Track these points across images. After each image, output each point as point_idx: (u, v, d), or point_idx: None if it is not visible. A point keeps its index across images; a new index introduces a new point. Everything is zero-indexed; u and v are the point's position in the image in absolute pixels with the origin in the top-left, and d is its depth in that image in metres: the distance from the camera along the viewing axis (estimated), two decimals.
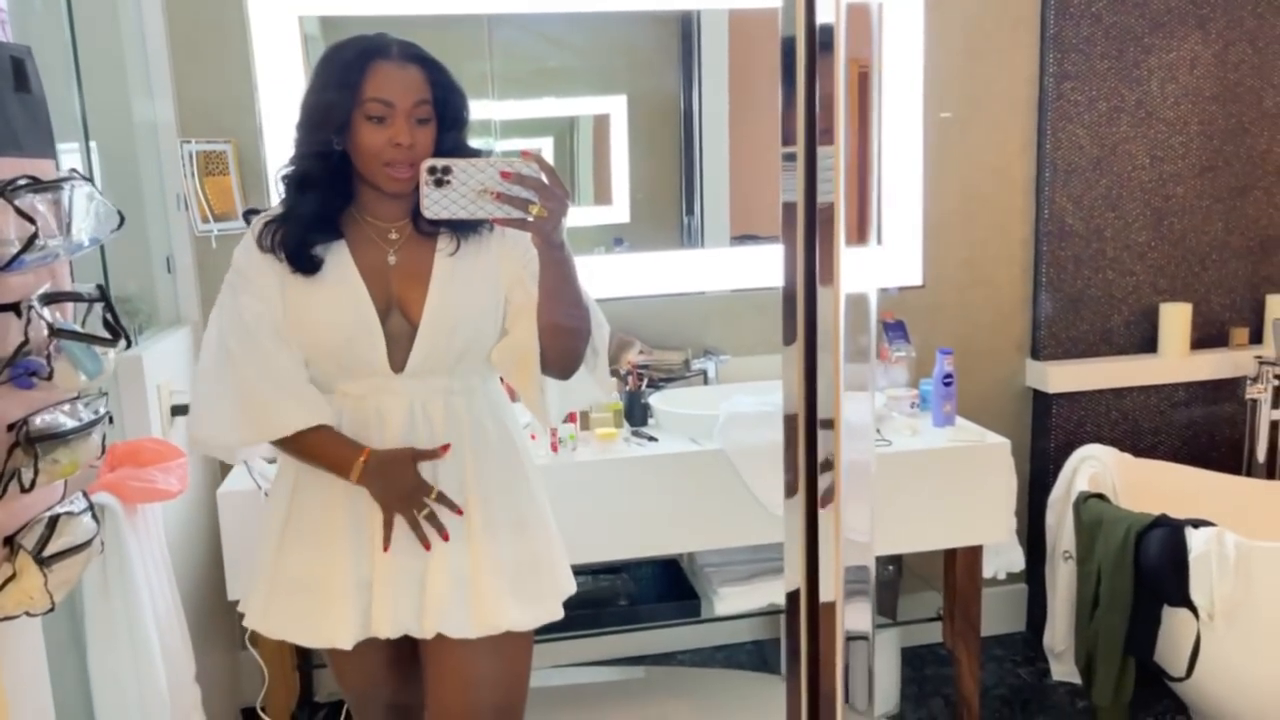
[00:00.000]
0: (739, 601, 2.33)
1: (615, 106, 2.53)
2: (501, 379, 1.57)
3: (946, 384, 2.32)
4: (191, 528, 2.12)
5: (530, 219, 1.29)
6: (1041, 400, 2.71)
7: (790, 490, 0.80)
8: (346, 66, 1.37)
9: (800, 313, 0.76)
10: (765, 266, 2.57)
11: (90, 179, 1.36)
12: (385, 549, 1.44)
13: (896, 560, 2.61)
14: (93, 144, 1.90)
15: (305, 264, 1.41)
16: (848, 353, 0.75)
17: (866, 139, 0.73)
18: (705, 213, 2.60)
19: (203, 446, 1.54)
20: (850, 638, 0.80)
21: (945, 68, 2.54)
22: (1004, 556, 2.34)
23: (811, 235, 0.72)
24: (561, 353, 1.44)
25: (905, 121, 2.53)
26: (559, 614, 1.55)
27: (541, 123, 2.54)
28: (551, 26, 2.44)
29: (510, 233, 1.45)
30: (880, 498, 2.15)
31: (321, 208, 1.42)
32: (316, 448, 1.45)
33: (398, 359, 1.43)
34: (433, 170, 1.28)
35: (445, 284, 1.43)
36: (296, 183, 1.44)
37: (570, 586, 1.59)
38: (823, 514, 0.78)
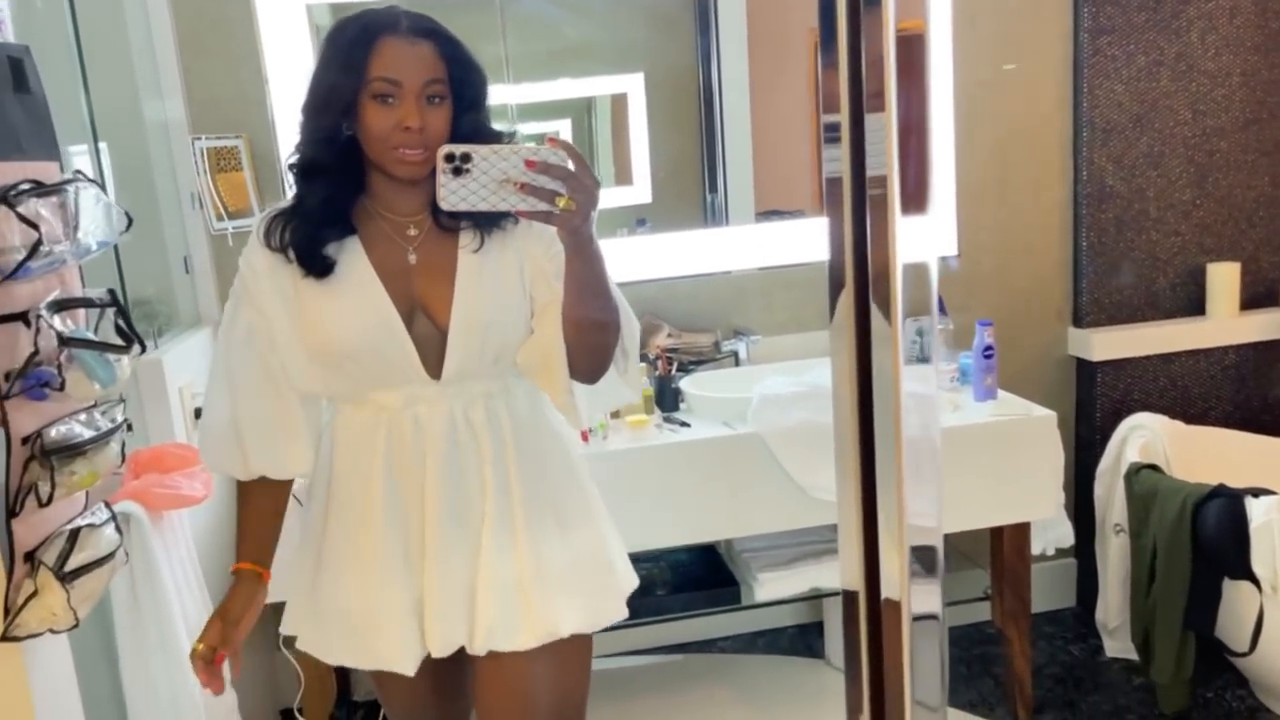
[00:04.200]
0: (779, 587, 2.28)
1: (633, 85, 2.48)
2: None
3: (987, 356, 2.25)
4: (221, 530, 2.09)
5: (557, 211, 1.16)
6: (1085, 369, 2.63)
7: (843, 478, 0.74)
8: (351, 44, 1.25)
9: (851, 289, 0.69)
10: (792, 242, 2.50)
11: (96, 180, 1.31)
12: None
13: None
14: (104, 145, 1.86)
15: (316, 264, 1.30)
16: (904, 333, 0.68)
17: (922, 101, 0.66)
18: (729, 189, 2.54)
19: (212, 469, 1.47)
20: (918, 618, 0.73)
21: (975, 27, 2.45)
22: (1053, 532, 2.27)
23: (861, 210, 0.66)
24: (589, 354, 1.33)
25: (934, 84, 2.45)
26: (622, 612, 1.44)
27: (559, 105, 2.50)
28: (565, 3, 2.38)
29: (534, 223, 1.33)
30: None
31: (331, 199, 1.31)
32: (246, 511, 1.41)
33: (433, 365, 1.32)
34: (450, 158, 1.15)
35: (472, 284, 1.32)
36: (303, 172, 1.32)
37: (632, 581, 1.48)
38: (882, 501, 0.72)
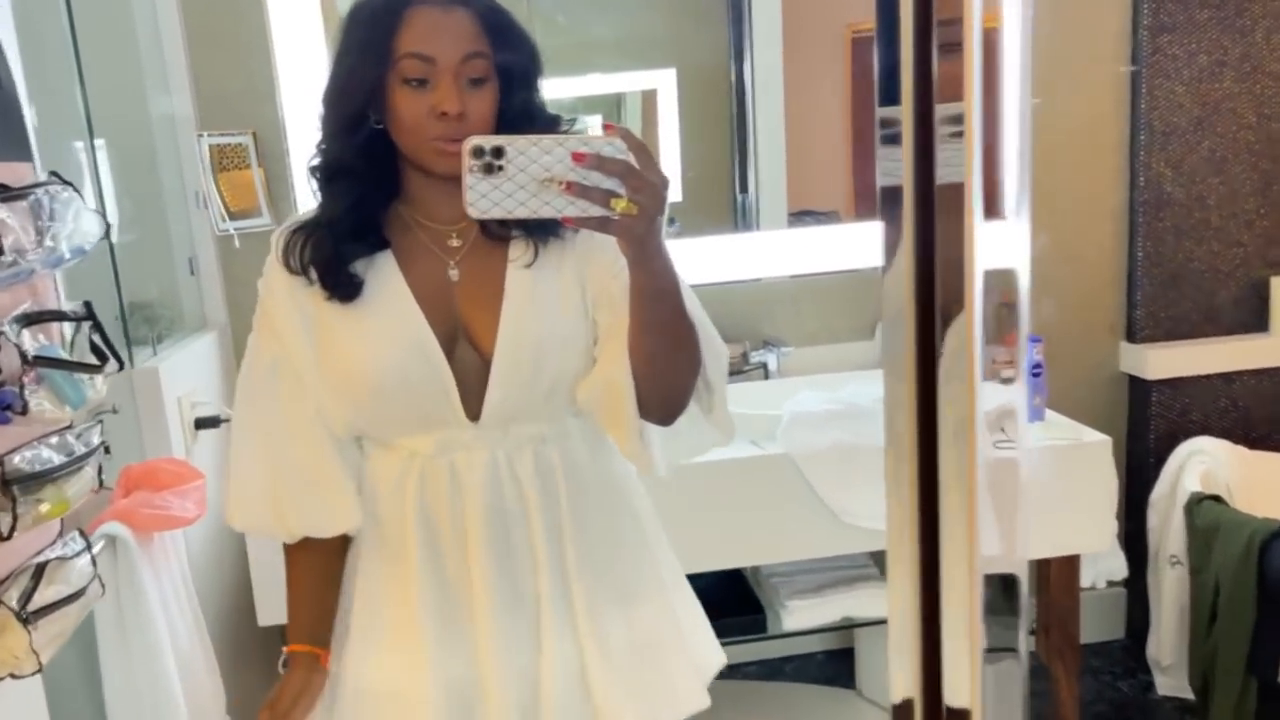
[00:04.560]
0: (809, 615, 2.15)
1: (663, 81, 2.38)
2: None
3: (1036, 375, 2.10)
4: (217, 551, 1.99)
5: (614, 217, 0.94)
6: (1139, 387, 2.48)
7: (895, 533, 0.60)
8: (375, 17, 1.07)
9: (908, 299, 0.56)
10: (826, 248, 2.38)
11: (71, 183, 1.21)
12: None
13: None
14: (102, 142, 1.76)
15: (342, 286, 1.11)
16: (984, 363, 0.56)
17: (994, 103, 0.54)
18: (760, 190, 2.43)
19: (247, 533, 1.28)
20: (991, 650, 0.60)
21: (1029, 22, 2.31)
22: (1104, 564, 2.13)
23: (929, 212, 0.53)
24: (662, 389, 1.11)
25: (1011, 85, 2.32)
26: (704, 701, 1.24)
27: (588, 101, 2.40)
28: None
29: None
30: None
31: (359, 206, 1.12)
32: (294, 579, 1.22)
33: (472, 405, 1.13)
34: (479, 152, 0.94)
35: (522, 304, 1.12)
36: (326, 175, 1.13)
37: (716, 659, 1.31)
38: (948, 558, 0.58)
